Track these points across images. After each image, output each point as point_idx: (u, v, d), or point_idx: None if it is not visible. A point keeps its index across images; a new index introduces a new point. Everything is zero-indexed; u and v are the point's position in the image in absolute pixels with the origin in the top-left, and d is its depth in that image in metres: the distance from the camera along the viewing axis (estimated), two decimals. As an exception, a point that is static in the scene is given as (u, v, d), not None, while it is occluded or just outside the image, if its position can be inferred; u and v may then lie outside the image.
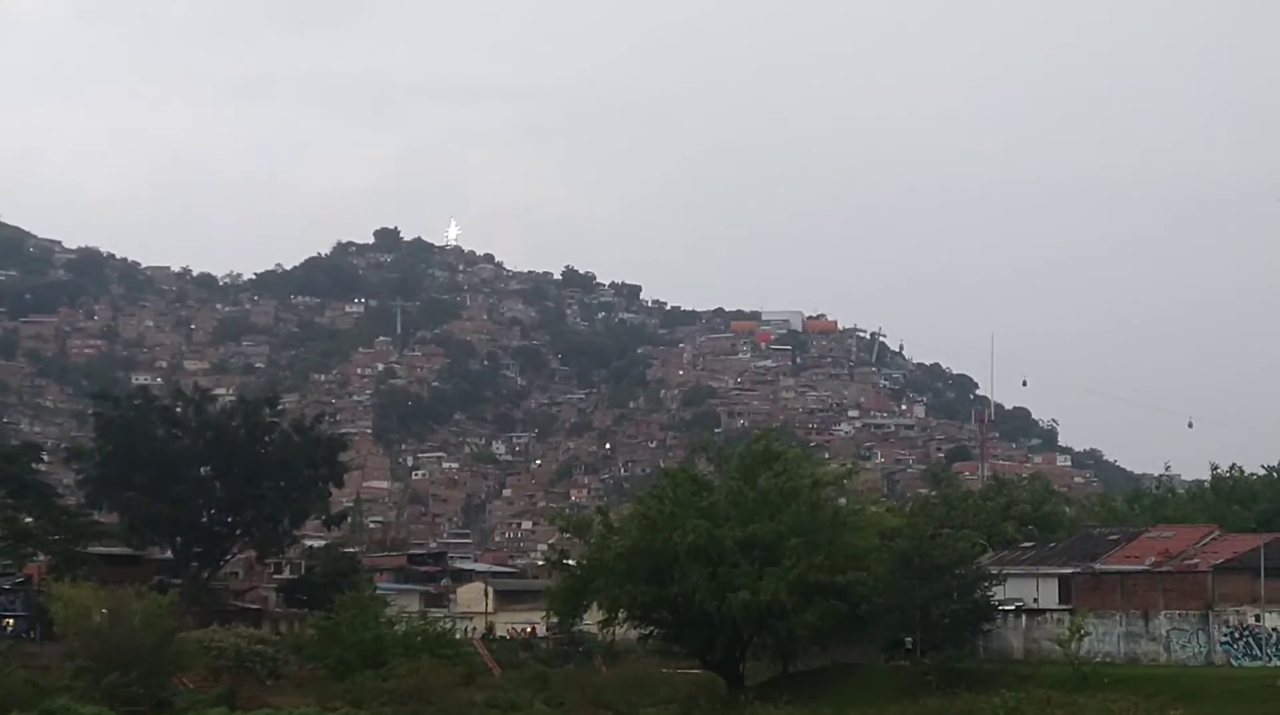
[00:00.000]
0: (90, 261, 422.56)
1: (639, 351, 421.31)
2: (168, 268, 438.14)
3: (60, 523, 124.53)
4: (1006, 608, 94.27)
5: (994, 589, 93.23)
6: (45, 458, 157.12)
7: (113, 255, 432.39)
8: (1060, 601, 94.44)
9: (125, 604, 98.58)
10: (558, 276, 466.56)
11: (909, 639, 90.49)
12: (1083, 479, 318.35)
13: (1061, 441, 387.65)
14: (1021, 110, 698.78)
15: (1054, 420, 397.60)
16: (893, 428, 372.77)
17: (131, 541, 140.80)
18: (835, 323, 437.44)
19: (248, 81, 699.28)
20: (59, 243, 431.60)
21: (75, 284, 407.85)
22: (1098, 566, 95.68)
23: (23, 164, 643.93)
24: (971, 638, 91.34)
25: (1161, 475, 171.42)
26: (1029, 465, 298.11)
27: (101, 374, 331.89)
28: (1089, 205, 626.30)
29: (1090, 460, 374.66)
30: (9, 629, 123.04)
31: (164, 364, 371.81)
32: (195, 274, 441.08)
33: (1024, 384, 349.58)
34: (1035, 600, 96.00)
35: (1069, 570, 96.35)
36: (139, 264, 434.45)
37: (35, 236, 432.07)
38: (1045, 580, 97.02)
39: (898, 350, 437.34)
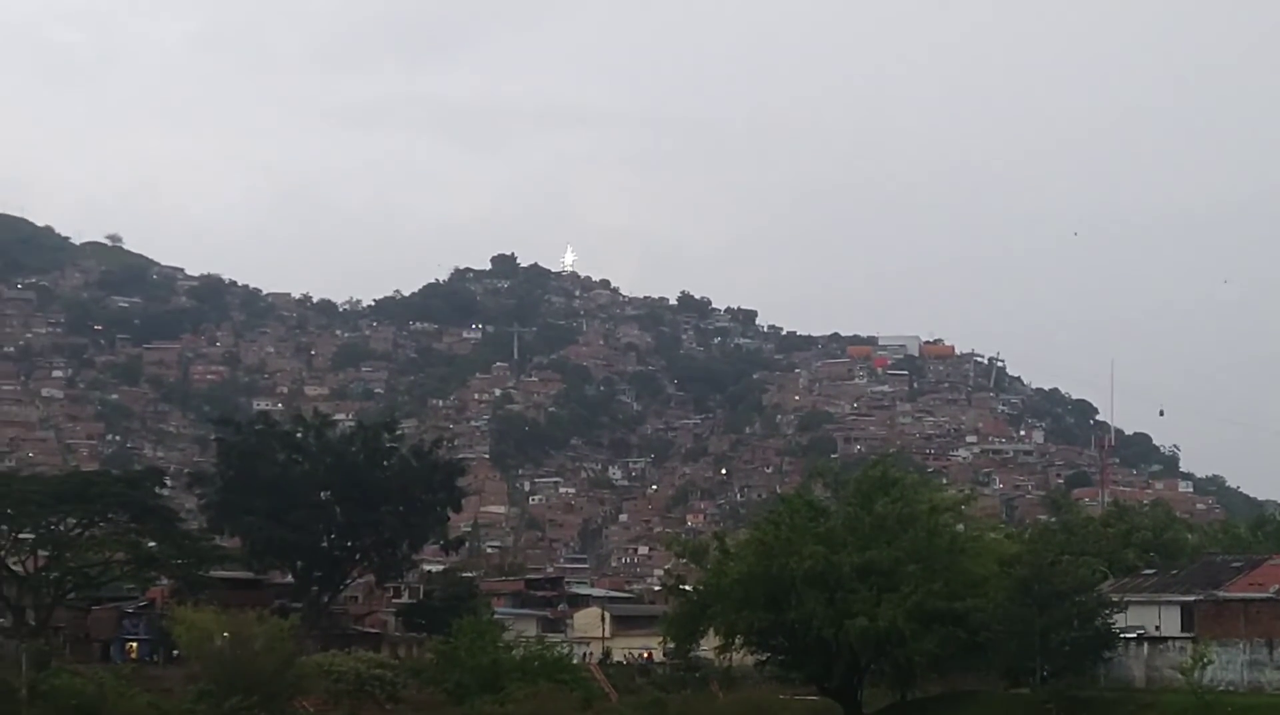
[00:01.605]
0: (212, 288, 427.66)
1: (755, 377, 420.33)
2: (288, 294, 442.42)
3: (183, 547, 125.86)
4: (1128, 635, 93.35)
5: (1115, 616, 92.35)
6: (168, 483, 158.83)
7: (234, 282, 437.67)
8: (1182, 629, 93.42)
9: (247, 628, 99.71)
10: (673, 302, 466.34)
11: (1045, 667, 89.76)
12: (1205, 505, 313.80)
13: (1183, 467, 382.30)
14: (1136, 140, 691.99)
15: (1175, 446, 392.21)
16: (1011, 453, 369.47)
17: (253, 566, 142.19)
18: (953, 348, 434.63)
19: (363, 110, 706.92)
20: (181, 270, 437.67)
21: (197, 311, 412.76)
22: (1220, 594, 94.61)
23: (145, 193, 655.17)
24: (1092, 666, 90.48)
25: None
26: (1150, 491, 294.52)
27: (223, 400, 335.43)
28: (1207, 233, 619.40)
29: (1213, 486, 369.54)
30: (133, 652, 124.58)
31: (285, 390, 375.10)
32: (315, 300, 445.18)
33: (1160, 414, 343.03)
34: (1157, 628, 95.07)
35: (1191, 598, 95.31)
36: (260, 291, 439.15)
37: (158, 264, 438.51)
38: (1167, 608, 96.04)
39: (1016, 375, 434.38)
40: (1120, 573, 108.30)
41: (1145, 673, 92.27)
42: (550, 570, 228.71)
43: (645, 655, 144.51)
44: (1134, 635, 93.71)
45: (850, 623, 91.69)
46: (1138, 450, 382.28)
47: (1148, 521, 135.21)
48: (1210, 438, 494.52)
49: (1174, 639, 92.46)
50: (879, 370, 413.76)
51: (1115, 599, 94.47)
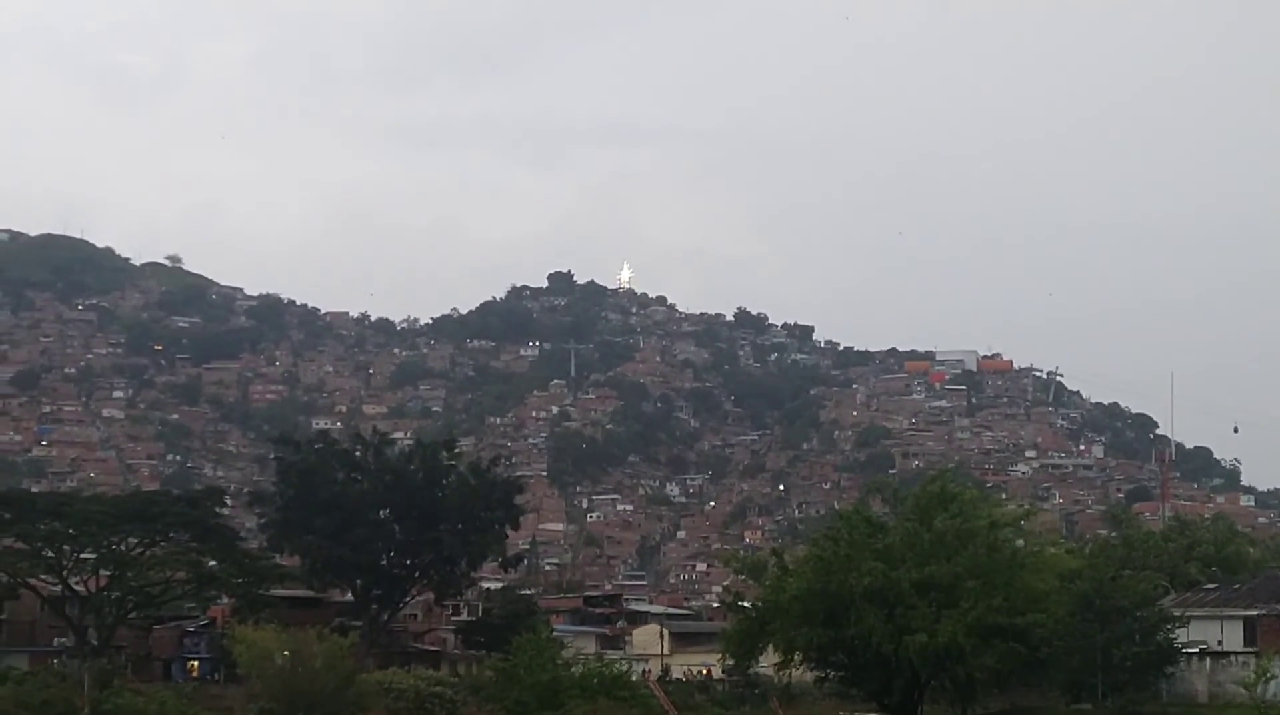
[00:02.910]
0: (271, 308, 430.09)
1: (812, 392, 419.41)
2: (346, 313, 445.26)
3: (243, 566, 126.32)
4: (1190, 650, 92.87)
5: (1177, 631, 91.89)
6: (228, 502, 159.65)
7: (293, 302, 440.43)
8: (1245, 644, 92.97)
9: (307, 646, 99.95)
10: (730, 318, 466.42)
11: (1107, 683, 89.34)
12: (1267, 519, 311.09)
13: (1245, 481, 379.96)
14: (1199, 137, 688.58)
15: (1237, 460, 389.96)
16: (1071, 468, 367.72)
17: (312, 584, 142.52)
18: (1011, 362, 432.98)
19: (420, 129, 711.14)
20: (240, 290, 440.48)
21: (256, 330, 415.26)
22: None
23: (205, 214, 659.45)
24: (1154, 681, 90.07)
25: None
26: (1211, 505, 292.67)
27: (282, 418, 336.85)
28: (1268, 237, 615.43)
29: (1275, 500, 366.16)
30: (194, 671, 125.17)
31: (343, 408, 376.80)
32: (373, 319, 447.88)
33: (1235, 430, 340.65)
34: (1219, 642, 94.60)
35: (1254, 612, 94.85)
36: (318, 310, 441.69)
37: (218, 284, 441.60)
38: (1229, 622, 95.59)
39: (1075, 390, 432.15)
40: (1182, 587, 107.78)
41: (1208, 687, 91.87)
42: (609, 587, 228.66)
43: (704, 672, 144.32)
44: (1196, 650, 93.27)
45: (910, 639, 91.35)
46: (1199, 464, 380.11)
47: (1209, 536, 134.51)
48: (1272, 451, 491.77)
49: (1236, 653, 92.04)
50: (937, 385, 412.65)
51: (1177, 614, 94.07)
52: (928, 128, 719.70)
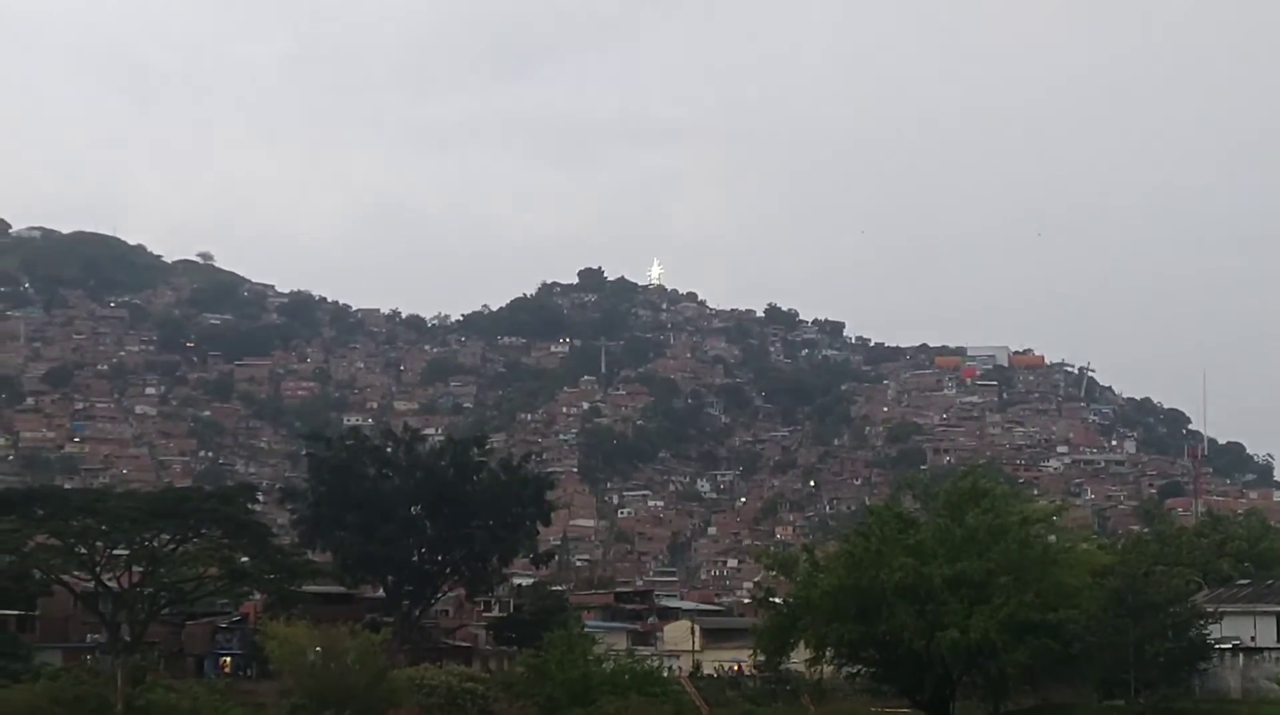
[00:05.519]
0: (302, 305, 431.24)
1: (843, 388, 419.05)
2: (377, 310, 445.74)
3: (275, 562, 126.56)
4: (1223, 646, 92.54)
5: (1210, 627, 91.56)
6: (260, 498, 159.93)
7: (324, 298, 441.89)
8: (1278, 640, 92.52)
9: (339, 642, 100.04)
10: (760, 314, 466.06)
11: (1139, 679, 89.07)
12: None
13: (1277, 476, 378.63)
14: (1232, 135, 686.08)
15: (1269, 455, 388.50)
16: (1103, 464, 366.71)
17: (344, 580, 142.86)
18: (1042, 358, 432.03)
19: (452, 127, 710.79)
20: (272, 287, 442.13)
21: (288, 327, 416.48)
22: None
23: (236, 211, 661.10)
24: (1187, 677, 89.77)
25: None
26: (1244, 501, 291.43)
27: (314, 415, 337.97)
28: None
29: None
30: (226, 667, 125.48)
31: (374, 405, 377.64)
32: (404, 316, 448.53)
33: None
34: (1253, 639, 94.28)
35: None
36: (350, 307, 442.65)
37: (249, 281, 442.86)
38: (1263, 618, 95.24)
39: (1107, 385, 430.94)
40: (1214, 583, 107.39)
41: (1241, 684, 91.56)
42: (639, 583, 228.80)
43: (735, 668, 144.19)
44: (1229, 646, 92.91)
45: (941, 635, 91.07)
46: (1231, 459, 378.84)
47: (1242, 531, 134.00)
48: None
49: (1270, 649, 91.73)
50: (968, 381, 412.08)
51: (1210, 610, 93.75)
52: (960, 125, 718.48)
